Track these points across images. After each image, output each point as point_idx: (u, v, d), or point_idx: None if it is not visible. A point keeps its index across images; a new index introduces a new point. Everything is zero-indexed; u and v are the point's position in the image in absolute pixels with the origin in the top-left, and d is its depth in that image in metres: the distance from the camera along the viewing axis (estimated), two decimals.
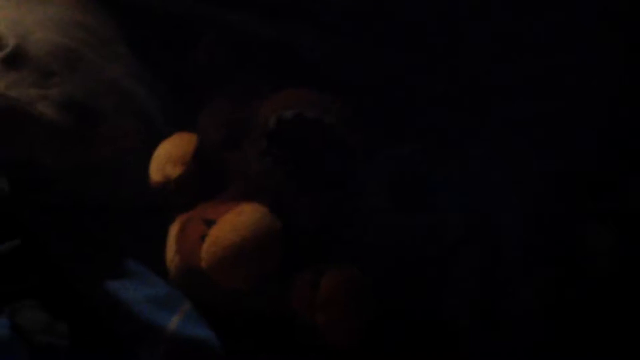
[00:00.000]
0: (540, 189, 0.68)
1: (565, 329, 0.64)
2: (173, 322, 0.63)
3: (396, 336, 0.64)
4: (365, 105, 0.70)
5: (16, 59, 0.63)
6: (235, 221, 0.60)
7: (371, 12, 0.74)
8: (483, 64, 0.72)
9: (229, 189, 0.67)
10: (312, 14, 0.74)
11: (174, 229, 0.66)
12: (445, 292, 0.67)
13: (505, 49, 0.71)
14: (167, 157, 0.67)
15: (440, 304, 0.66)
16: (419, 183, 0.69)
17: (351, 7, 0.74)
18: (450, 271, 0.67)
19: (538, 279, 0.66)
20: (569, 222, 0.68)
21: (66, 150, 0.65)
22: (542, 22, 0.71)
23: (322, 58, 0.74)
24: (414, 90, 0.73)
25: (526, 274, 0.66)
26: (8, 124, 0.61)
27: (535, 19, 0.71)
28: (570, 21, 0.70)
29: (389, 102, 0.72)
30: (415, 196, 0.69)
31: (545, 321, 0.65)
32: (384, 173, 0.69)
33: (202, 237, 0.61)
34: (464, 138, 0.71)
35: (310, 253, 0.64)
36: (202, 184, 0.67)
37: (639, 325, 0.65)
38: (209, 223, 0.61)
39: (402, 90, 0.74)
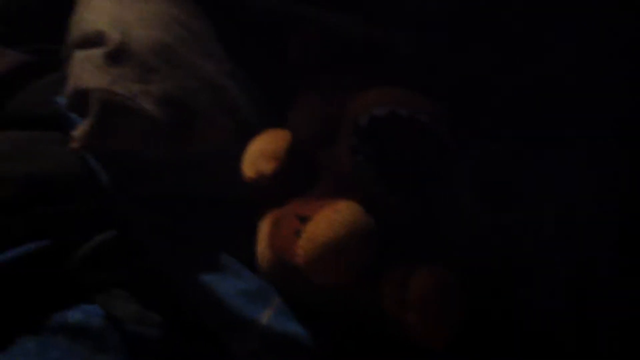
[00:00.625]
0: (632, 186, 0.66)
1: None
2: (265, 316, 0.63)
3: (485, 337, 0.63)
4: (455, 104, 0.69)
5: (119, 54, 0.65)
6: (331, 218, 0.60)
7: (462, 11, 0.73)
8: (571, 65, 0.71)
9: (320, 185, 0.67)
10: (404, 13, 0.74)
11: (265, 224, 0.67)
12: (535, 293, 0.65)
13: (593, 52, 0.70)
14: (260, 153, 0.68)
15: (530, 305, 0.65)
16: (506, 181, 0.68)
17: (442, 6, 0.73)
18: (541, 273, 0.65)
19: (631, 286, 0.64)
20: None
21: (164, 144, 0.66)
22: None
23: (414, 56, 0.74)
24: (503, 88, 0.72)
25: (619, 279, 0.64)
26: (112, 117, 0.63)
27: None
28: None
29: (478, 100, 0.71)
30: (502, 195, 0.68)
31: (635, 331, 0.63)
32: (471, 173, 0.69)
33: (297, 233, 0.61)
34: (553, 137, 0.69)
35: (401, 251, 0.64)
36: (294, 180, 0.67)
37: None
38: (304, 219, 0.62)
39: (491, 88, 0.72)
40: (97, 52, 0.64)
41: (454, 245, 0.66)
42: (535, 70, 0.71)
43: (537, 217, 0.67)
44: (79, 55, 0.65)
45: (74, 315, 0.65)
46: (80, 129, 0.63)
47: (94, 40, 0.66)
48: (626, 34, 0.69)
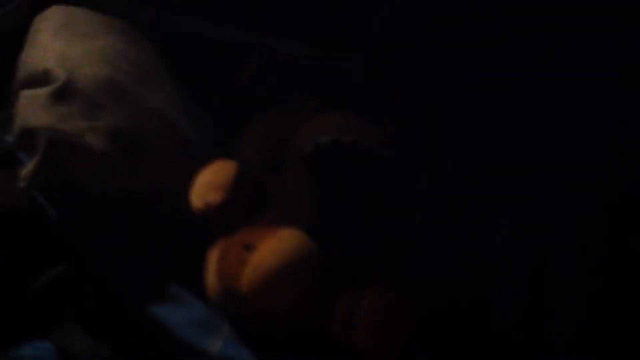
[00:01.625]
0: (591, 196, 0.68)
1: (613, 337, 0.64)
2: (215, 345, 0.65)
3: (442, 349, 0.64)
4: (407, 126, 0.71)
5: (66, 93, 0.66)
6: (275, 247, 0.62)
7: (413, 40, 0.75)
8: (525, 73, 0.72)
9: (271, 212, 0.69)
10: (354, 40, 0.75)
11: (214, 254, 0.68)
12: (494, 299, 0.67)
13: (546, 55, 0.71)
14: (208, 185, 0.69)
15: (488, 313, 0.66)
16: (458, 199, 0.70)
17: (393, 33, 0.75)
18: (496, 284, 0.67)
19: (588, 286, 0.66)
20: (620, 229, 0.67)
21: (114, 178, 0.67)
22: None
23: (364, 82, 0.75)
24: (456, 109, 0.74)
25: (575, 280, 0.66)
26: (58, 155, 0.64)
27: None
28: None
29: (431, 121, 0.73)
30: (454, 213, 0.70)
31: (595, 328, 0.64)
32: (422, 194, 0.70)
33: (242, 263, 0.63)
34: (508, 148, 0.71)
35: (352, 274, 0.66)
36: (243, 208, 0.69)
37: None
38: (249, 248, 0.63)
39: (443, 109, 0.74)
40: (43, 91, 0.66)
41: (404, 266, 0.68)
42: (488, 91, 0.73)
43: (488, 237, 0.69)
44: (25, 94, 0.66)
45: (27, 350, 0.65)
46: (28, 167, 0.64)
47: (40, 78, 0.67)
48: (595, 36, 0.69)
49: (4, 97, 0.76)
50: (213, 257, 0.67)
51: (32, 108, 0.65)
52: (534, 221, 0.68)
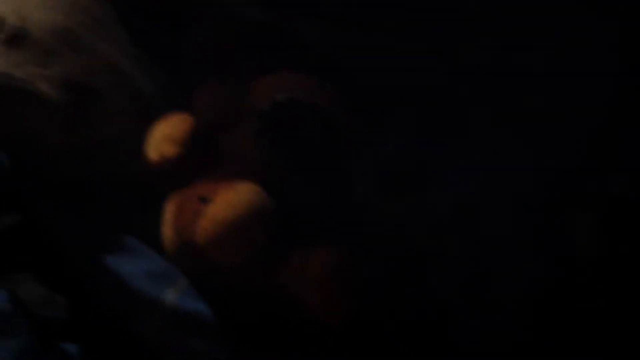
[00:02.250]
0: (527, 176, 0.70)
1: (553, 318, 0.66)
2: (170, 296, 0.65)
3: (383, 321, 0.66)
4: (355, 93, 0.71)
5: (18, 39, 0.65)
6: (230, 199, 0.63)
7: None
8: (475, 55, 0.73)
9: (223, 168, 0.69)
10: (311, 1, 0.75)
11: (169, 206, 0.68)
12: (433, 276, 0.68)
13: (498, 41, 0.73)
14: (164, 137, 0.69)
15: (427, 290, 0.68)
16: (408, 172, 0.71)
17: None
18: (437, 256, 0.69)
19: (525, 267, 0.68)
20: (556, 210, 0.69)
21: (66, 128, 0.66)
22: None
23: (317, 44, 0.76)
24: (405, 81, 0.75)
25: (513, 261, 0.68)
26: (11, 101, 0.63)
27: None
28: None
29: (378, 91, 0.74)
30: (401, 185, 0.71)
31: (533, 310, 0.66)
32: (372, 161, 0.71)
33: (197, 214, 0.63)
34: (450, 127, 0.72)
35: (301, 233, 0.66)
36: (197, 163, 0.69)
37: (627, 315, 0.65)
38: (205, 200, 0.63)
39: (392, 81, 0.75)
40: None
41: (350, 229, 0.68)
42: (444, 61, 0.74)
43: (432, 206, 0.70)
44: None
45: None
46: None
47: None
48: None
49: None
50: (168, 210, 0.67)
51: None
52: (476, 200, 0.70)
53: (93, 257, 0.66)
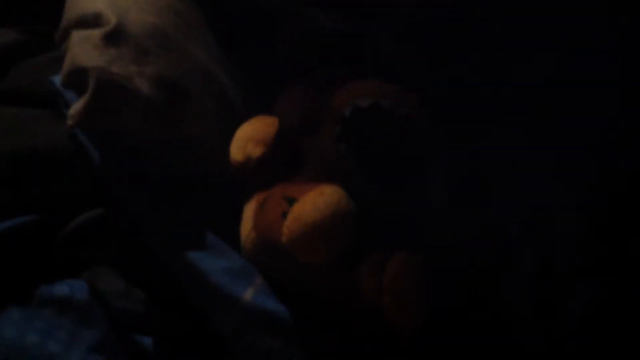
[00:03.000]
0: (598, 191, 0.70)
1: (619, 332, 0.65)
2: (248, 294, 0.65)
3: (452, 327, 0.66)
4: (438, 102, 0.72)
5: (116, 36, 0.67)
6: (317, 200, 0.63)
7: (445, 12, 0.76)
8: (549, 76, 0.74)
9: (305, 171, 0.70)
10: (390, 10, 0.76)
11: (250, 206, 0.69)
12: (503, 287, 0.68)
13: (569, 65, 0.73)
14: (249, 138, 0.70)
15: (496, 299, 0.68)
16: (477, 181, 0.72)
17: (425, 7, 0.76)
18: (507, 267, 0.69)
19: (593, 279, 0.67)
20: (625, 225, 0.69)
21: (157, 125, 0.68)
22: None
23: (397, 53, 0.77)
24: (479, 90, 0.75)
25: (582, 273, 0.68)
26: (108, 97, 0.65)
27: None
28: None
29: (460, 101, 0.74)
30: (473, 194, 0.71)
31: (600, 323, 0.66)
32: (444, 171, 0.72)
33: (284, 214, 0.64)
34: (523, 138, 0.73)
35: (378, 238, 0.67)
36: (280, 165, 0.70)
37: None
38: (291, 201, 0.64)
39: (468, 89, 0.76)
40: (95, 33, 0.66)
41: (424, 236, 0.69)
42: (515, 77, 0.75)
43: (505, 216, 0.70)
44: (77, 34, 0.66)
45: (60, 289, 0.66)
46: (76, 106, 0.65)
47: (91, 21, 0.67)
48: (604, 48, 0.72)
49: (46, 39, 0.76)
50: (250, 209, 0.68)
51: (83, 48, 0.65)
52: (544, 210, 0.70)
53: (175, 252, 0.67)
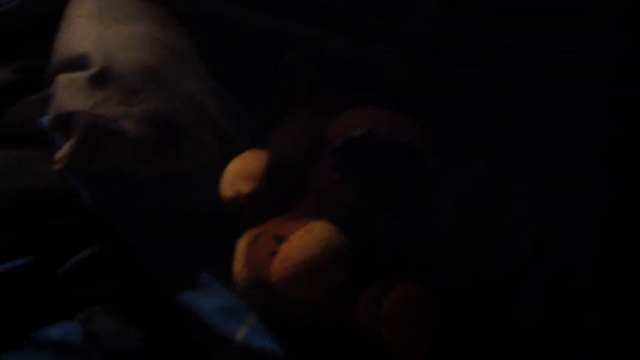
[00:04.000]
0: (610, 208, 0.69)
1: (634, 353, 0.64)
2: (241, 333, 0.65)
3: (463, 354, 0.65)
4: (441, 124, 0.71)
5: (103, 78, 0.66)
6: (305, 238, 0.63)
7: (450, 34, 0.74)
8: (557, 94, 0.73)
9: (304, 202, 0.69)
10: (393, 34, 0.75)
11: (243, 243, 0.68)
12: (515, 309, 0.67)
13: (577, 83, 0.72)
14: (239, 173, 0.69)
15: (508, 322, 0.67)
16: (487, 202, 0.71)
17: (429, 29, 0.75)
18: (519, 289, 0.67)
19: (608, 300, 0.66)
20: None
21: (150, 164, 0.68)
22: None
23: (402, 77, 0.75)
24: (489, 110, 0.74)
25: (596, 294, 0.67)
26: (94, 141, 0.65)
27: None
28: None
29: (463, 121, 0.73)
30: (483, 215, 0.70)
31: (614, 343, 0.65)
32: (452, 192, 0.70)
33: (272, 253, 0.63)
34: (533, 156, 0.72)
35: (380, 268, 0.66)
36: (274, 198, 0.69)
37: None
38: (280, 239, 0.64)
39: (476, 110, 0.74)
40: (80, 76, 0.66)
41: (433, 264, 0.68)
42: (520, 96, 0.74)
43: (516, 236, 0.69)
44: (63, 78, 0.67)
45: (54, 332, 0.66)
46: (63, 150, 0.65)
47: (76, 62, 0.67)
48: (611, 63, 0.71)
49: (41, 77, 0.76)
50: (242, 246, 0.68)
51: (69, 92, 0.65)
52: (556, 230, 0.69)
53: (168, 291, 0.67)
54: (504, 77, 0.73)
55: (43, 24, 0.77)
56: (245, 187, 0.69)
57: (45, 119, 0.70)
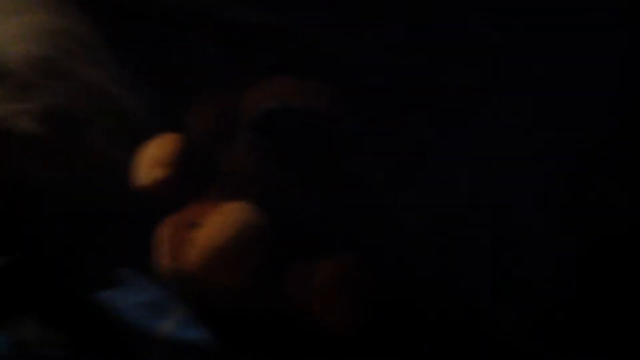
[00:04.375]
0: (552, 149, 0.67)
1: (589, 293, 0.63)
2: (167, 326, 0.63)
3: (400, 323, 0.64)
4: (360, 91, 0.69)
5: None
6: (220, 223, 0.60)
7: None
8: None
9: (220, 185, 0.66)
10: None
11: (163, 232, 0.65)
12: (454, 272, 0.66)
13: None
14: (153, 159, 0.67)
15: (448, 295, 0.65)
16: (414, 161, 0.69)
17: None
18: (459, 245, 0.66)
19: (557, 245, 0.65)
20: (583, 181, 0.66)
21: (53, 162, 0.65)
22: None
23: (315, 42, 0.72)
24: (410, 76, 0.72)
25: (543, 243, 0.65)
26: None
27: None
28: None
29: (383, 87, 0.71)
30: (412, 177, 0.68)
31: (569, 287, 0.64)
32: (378, 153, 0.69)
33: (188, 241, 0.61)
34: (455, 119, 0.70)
35: (308, 245, 0.64)
36: (192, 183, 0.66)
37: None
38: (194, 226, 0.62)
39: (397, 77, 0.72)
40: None
41: (363, 232, 0.66)
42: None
43: (449, 194, 0.67)
44: None
45: None
46: None
47: None
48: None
49: None
50: (161, 237, 0.65)
51: None
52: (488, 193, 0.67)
53: (86, 292, 0.65)
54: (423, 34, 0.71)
55: None
56: (162, 173, 0.66)
57: None
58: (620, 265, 0.63)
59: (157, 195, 0.67)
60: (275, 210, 0.63)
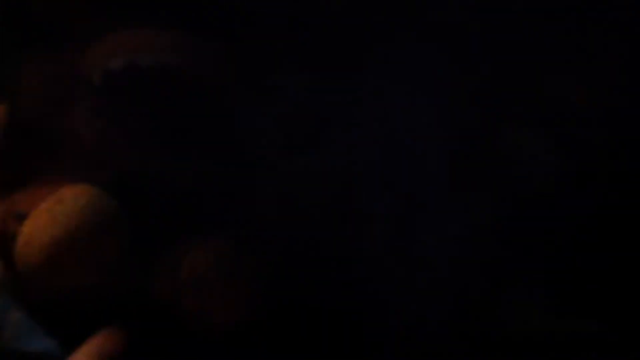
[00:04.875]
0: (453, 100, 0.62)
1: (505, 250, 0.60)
2: (4, 339, 0.56)
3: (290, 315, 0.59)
4: (235, 38, 0.61)
5: None
6: (54, 211, 0.53)
7: None
8: None
9: (57, 165, 0.58)
10: None
11: None
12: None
13: None
14: None
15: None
16: (312, 120, 0.63)
17: None
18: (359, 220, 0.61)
19: (465, 207, 0.61)
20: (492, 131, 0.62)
21: None
22: None
23: None
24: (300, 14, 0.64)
25: (450, 203, 0.61)
26: None
27: None
28: None
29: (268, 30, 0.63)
30: (308, 136, 0.62)
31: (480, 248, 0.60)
32: (270, 112, 0.62)
33: (13, 236, 0.53)
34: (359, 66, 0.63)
35: (178, 228, 0.57)
36: (19, 164, 0.59)
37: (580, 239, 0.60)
38: (22, 217, 0.54)
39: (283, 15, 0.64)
40: None
41: (247, 209, 0.60)
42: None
43: (349, 159, 0.62)
44: None
45: None
46: None
47: None
48: None
49: None
50: None
51: None
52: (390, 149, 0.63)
53: None
54: None
55: None
56: None
57: None
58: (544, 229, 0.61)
59: None
60: (129, 190, 0.57)
